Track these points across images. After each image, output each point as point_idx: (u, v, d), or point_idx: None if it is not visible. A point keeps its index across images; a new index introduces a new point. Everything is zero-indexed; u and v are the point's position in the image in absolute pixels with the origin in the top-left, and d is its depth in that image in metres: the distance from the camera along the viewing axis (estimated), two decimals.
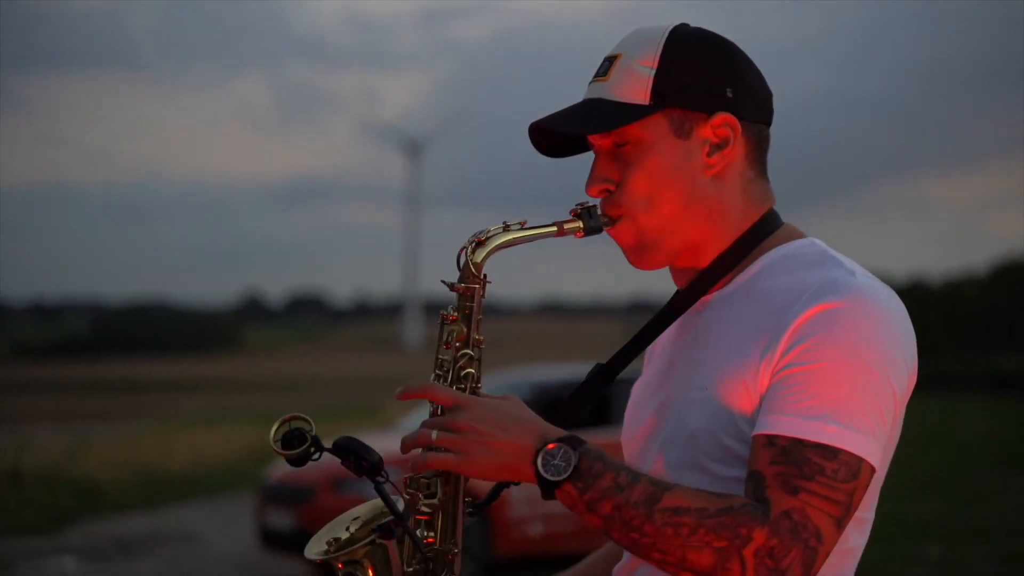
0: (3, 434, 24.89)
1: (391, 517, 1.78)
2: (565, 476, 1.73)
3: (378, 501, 1.83)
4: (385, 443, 10.59)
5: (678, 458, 1.83)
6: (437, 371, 1.86)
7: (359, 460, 1.75)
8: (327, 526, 1.87)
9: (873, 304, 1.79)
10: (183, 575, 11.36)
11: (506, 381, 12.12)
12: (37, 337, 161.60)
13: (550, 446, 1.74)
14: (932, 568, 10.97)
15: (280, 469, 11.34)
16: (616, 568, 1.99)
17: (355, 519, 1.87)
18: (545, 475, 1.73)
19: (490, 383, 9.50)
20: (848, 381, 1.73)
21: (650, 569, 1.85)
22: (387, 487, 1.79)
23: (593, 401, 2.00)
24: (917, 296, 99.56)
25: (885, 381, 1.77)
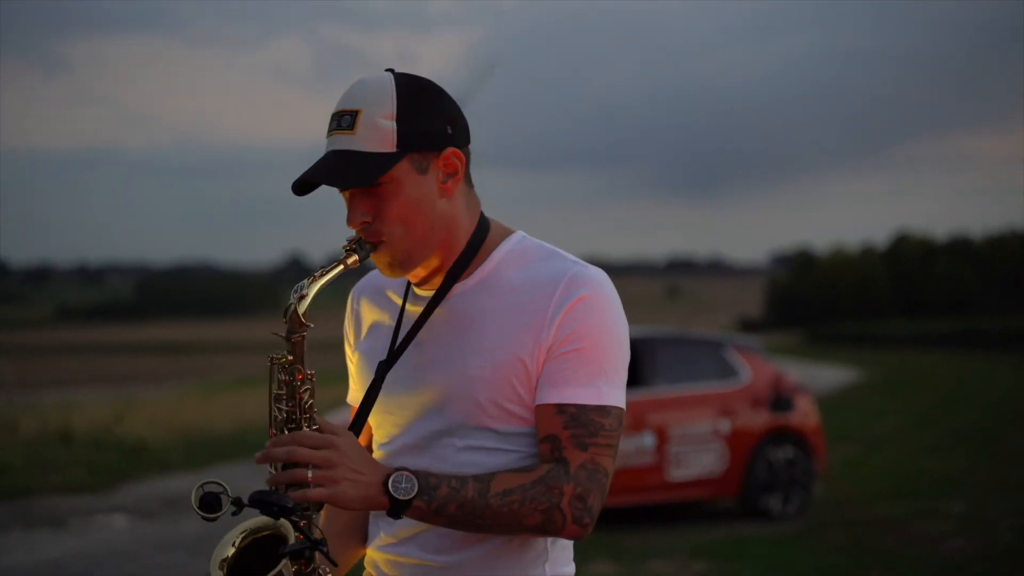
0: (50, 395, 25.43)
1: (304, 543, 2.13)
2: (413, 495, 2.14)
3: (260, 518, 2.21)
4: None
5: (464, 421, 2.27)
6: (278, 406, 2.21)
7: (277, 508, 2.11)
8: (217, 548, 2.22)
9: (610, 288, 2.30)
10: (227, 533, 11.72)
11: None
12: (82, 300, 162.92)
13: (396, 474, 2.14)
14: (954, 522, 11.21)
15: None
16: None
17: (242, 532, 2.22)
18: (398, 497, 2.13)
19: None
20: (608, 354, 2.26)
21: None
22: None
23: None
24: (958, 253, 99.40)
25: (624, 343, 2.30)
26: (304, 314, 2.21)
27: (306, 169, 2.26)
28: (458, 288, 2.32)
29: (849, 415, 23.23)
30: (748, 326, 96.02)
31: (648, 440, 11.44)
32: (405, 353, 2.34)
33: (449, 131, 2.28)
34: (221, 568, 2.17)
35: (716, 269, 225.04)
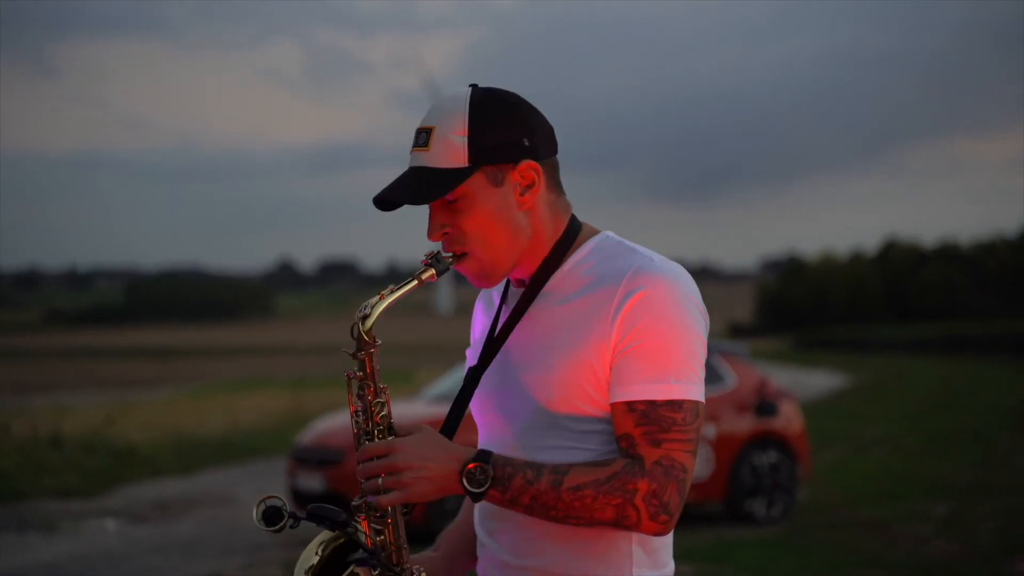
0: (40, 399, 25.52)
1: (362, 554, 2.27)
2: (487, 487, 2.21)
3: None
4: (415, 409, 11.17)
5: (540, 420, 2.33)
6: (356, 419, 2.31)
7: (331, 521, 2.26)
8: (301, 557, 2.35)
9: (672, 281, 2.29)
10: (220, 535, 11.85)
11: None
12: (72, 304, 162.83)
13: (471, 466, 2.21)
14: (936, 524, 11.35)
15: (311, 433, 11.88)
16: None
17: (320, 543, 2.35)
18: (472, 489, 2.21)
19: None
20: (676, 348, 2.25)
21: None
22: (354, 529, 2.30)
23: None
24: (947, 258, 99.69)
25: (699, 336, 2.30)
26: (369, 332, 2.28)
27: (386, 185, 2.34)
28: (544, 290, 2.37)
29: (837, 419, 23.38)
30: (738, 331, 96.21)
31: None
32: (499, 353, 2.42)
33: (526, 143, 2.31)
34: (307, 573, 2.31)
35: (706, 274, 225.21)
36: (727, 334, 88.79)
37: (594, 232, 2.41)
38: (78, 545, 11.33)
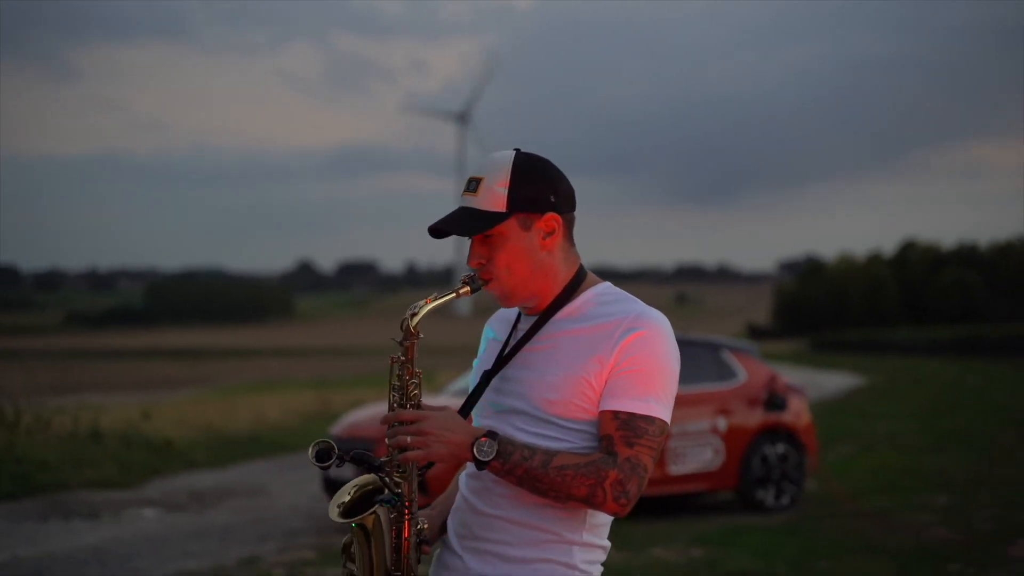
0: (66, 401, 26.13)
1: (387, 493, 2.91)
2: (492, 457, 2.80)
3: (368, 476, 3.00)
4: (438, 402, 11.73)
5: (534, 415, 2.94)
6: (393, 393, 2.91)
7: (370, 464, 2.93)
8: (334, 497, 2.99)
9: (661, 327, 2.93)
10: (254, 523, 12.42)
11: None
12: (93, 305, 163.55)
13: (482, 439, 2.80)
14: (937, 514, 11.90)
15: (341, 425, 12.47)
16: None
17: (352, 487, 3.00)
18: (479, 458, 2.80)
19: None
20: (658, 377, 2.89)
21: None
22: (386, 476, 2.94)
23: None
24: (965, 261, 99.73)
25: (674, 372, 2.94)
26: (415, 327, 2.91)
27: (439, 219, 2.98)
28: (553, 318, 2.98)
29: (848, 418, 23.89)
30: (756, 333, 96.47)
31: None
32: (509, 362, 3.06)
33: (552, 199, 2.93)
34: (339, 507, 2.95)
35: (724, 276, 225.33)
36: (745, 336, 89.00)
37: (597, 281, 3.05)
38: (121, 531, 11.94)
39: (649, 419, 2.86)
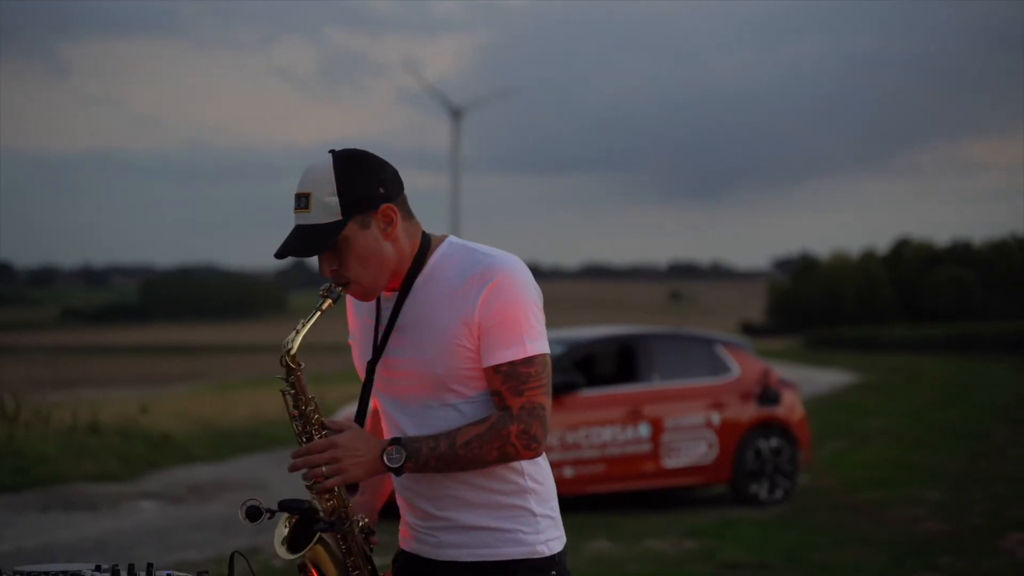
0: (61, 396, 26.22)
1: (324, 523, 3.00)
2: (402, 462, 2.95)
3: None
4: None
5: (432, 387, 3.06)
6: (296, 424, 3.03)
7: (298, 509, 3.00)
8: (275, 533, 3.08)
9: (510, 268, 3.01)
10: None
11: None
12: (87, 302, 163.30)
13: (389, 448, 2.95)
14: (929, 507, 12.05)
15: (340, 416, 12.58)
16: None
17: (286, 519, 3.08)
18: (391, 466, 2.95)
19: None
20: (523, 318, 3.00)
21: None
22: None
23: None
24: (959, 259, 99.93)
25: (537, 304, 3.04)
26: (294, 359, 3.00)
27: (281, 242, 3.04)
28: (411, 292, 3.06)
29: (842, 414, 24.05)
30: (750, 331, 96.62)
31: (644, 431, 12.35)
32: (385, 347, 3.14)
33: (381, 191, 3.00)
34: (283, 544, 3.06)
35: (718, 274, 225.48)
36: (739, 333, 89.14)
37: (440, 240, 3.12)
38: (121, 523, 12.07)
39: (528, 360, 2.98)
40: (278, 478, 15.24)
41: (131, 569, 3.07)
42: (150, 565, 3.10)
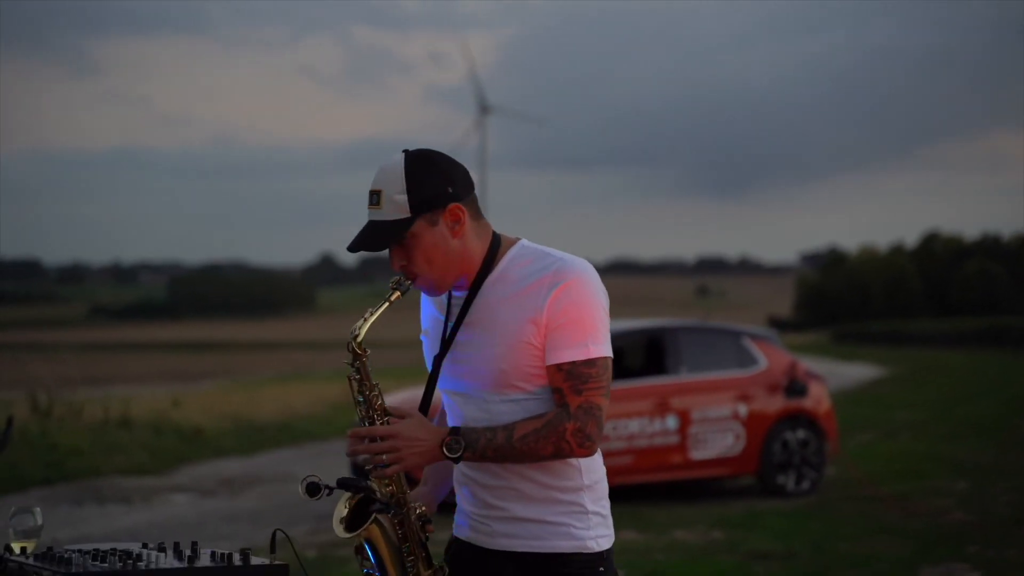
0: (92, 392, 26.40)
1: (381, 504, 3.10)
2: (461, 452, 3.06)
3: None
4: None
5: (495, 382, 3.16)
6: (360, 408, 3.12)
7: (355, 487, 3.08)
8: (335, 511, 3.16)
9: (581, 272, 3.14)
10: (283, 508, 12.67)
11: None
12: (115, 299, 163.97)
13: (447, 439, 3.05)
14: (955, 498, 12.10)
15: None
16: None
17: (347, 499, 3.15)
18: (450, 456, 3.05)
19: None
20: (589, 321, 3.12)
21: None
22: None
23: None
24: (988, 252, 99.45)
25: (604, 308, 3.17)
26: (360, 345, 3.11)
27: (354, 237, 3.17)
28: (481, 291, 3.17)
29: (869, 407, 24.05)
30: (778, 325, 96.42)
31: (672, 422, 12.43)
32: (453, 342, 3.25)
33: (450, 191, 3.12)
34: (341, 523, 3.15)
35: (746, 268, 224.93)
36: (766, 327, 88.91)
37: (512, 242, 3.23)
38: (154, 515, 12.23)
39: (590, 362, 3.09)
40: (309, 471, 15.32)
41: (176, 547, 3.18)
42: (194, 543, 3.20)
